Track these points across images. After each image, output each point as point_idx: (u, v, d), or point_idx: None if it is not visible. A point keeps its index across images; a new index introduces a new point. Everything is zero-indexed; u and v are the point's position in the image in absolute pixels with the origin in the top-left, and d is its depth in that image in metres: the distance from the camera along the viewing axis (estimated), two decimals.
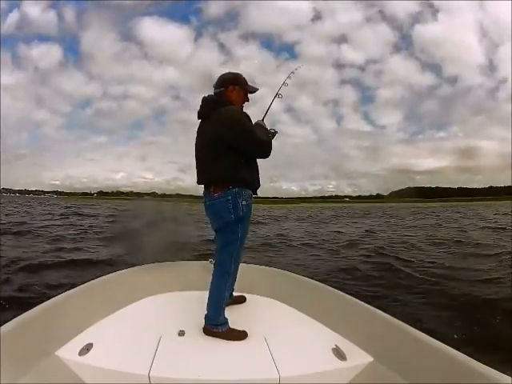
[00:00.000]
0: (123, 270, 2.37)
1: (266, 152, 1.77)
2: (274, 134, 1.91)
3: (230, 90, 1.79)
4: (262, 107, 2.02)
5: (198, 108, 1.83)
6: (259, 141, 1.71)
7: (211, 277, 1.80)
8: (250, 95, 1.89)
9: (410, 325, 1.49)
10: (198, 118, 1.84)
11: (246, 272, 2.25)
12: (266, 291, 2.31)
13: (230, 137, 1.66)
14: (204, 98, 1.82)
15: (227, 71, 1.87)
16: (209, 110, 1.77)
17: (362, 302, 1.79)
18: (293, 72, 2.22)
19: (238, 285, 2.07)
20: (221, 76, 1.84)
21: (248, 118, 1.76)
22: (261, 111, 2.00)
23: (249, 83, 1.87)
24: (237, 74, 1.86)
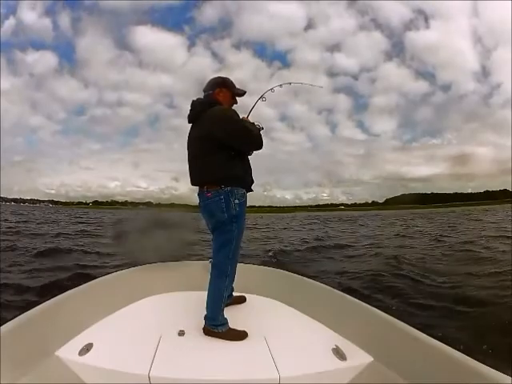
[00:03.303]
0: (123, 270, 2.38)
1: (259, 144, 1.81)
2: (259, 129, 1.95)
3: (217, 93, 1.86)
4: (253, 113, 2.09)
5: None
6: (252, 134, 1.76)
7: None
8: (240, 99, 1.96)
9: (410, 325, 1.49)
10: (189, 122, 1.89)
11: (246, 272, 2.26)
12: (266, 291, 2.31)
13: (222, 135, 1.69)
14: (193, 101, 1.88)
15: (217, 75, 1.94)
16: (198, 112, 1.81)
17: (362, 302, 1.79)
18: (280, 86, 2.30)
19: (238, 285, 2.08)
20: (209, 80, 1.91)
21: (237, 114, 1.81)
22: (252, 117, 2.07)
23: (237, 87, 1.93)
24: (224, 77, 1.92)
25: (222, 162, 1.72)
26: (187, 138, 1.90)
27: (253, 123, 1.91)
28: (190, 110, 1.87)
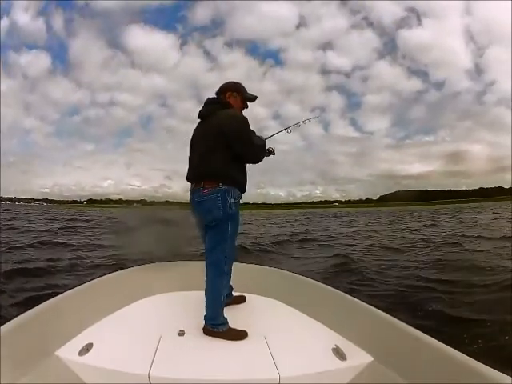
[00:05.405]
0: (123, 270, 2.36)
1: (256, 158, 1.88)
2: (270, 152, 2.06)
3: (228, 96, 1.90)
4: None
5: (200, 108, 1.91)
6: (253, 145, 1.81)
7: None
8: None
9: (410, 325, 1.50)
10: (200, 117, 1.91)
11: (246, 272, 2.26)
12: (266, 291, 2.32)
13: (230, 134, 1.72)
14: (208, 98, 1.91)
15: (229, 80, 1.99)
16: (212, 109, 1.85)
17: (362, 302, 1.79)
18: (309, 120, 2.50)
19: (238, 285, 2.09)
20: (222, 84, 1.96)
21: (248, 122, 1.84)
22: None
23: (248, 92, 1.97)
24: (237, 82, 1.98)
25: (223, 161, 1.73)
26: (193, 134, 1.92)
27: (264, 144, 1.99)
28: (204, 106, 1.90)
